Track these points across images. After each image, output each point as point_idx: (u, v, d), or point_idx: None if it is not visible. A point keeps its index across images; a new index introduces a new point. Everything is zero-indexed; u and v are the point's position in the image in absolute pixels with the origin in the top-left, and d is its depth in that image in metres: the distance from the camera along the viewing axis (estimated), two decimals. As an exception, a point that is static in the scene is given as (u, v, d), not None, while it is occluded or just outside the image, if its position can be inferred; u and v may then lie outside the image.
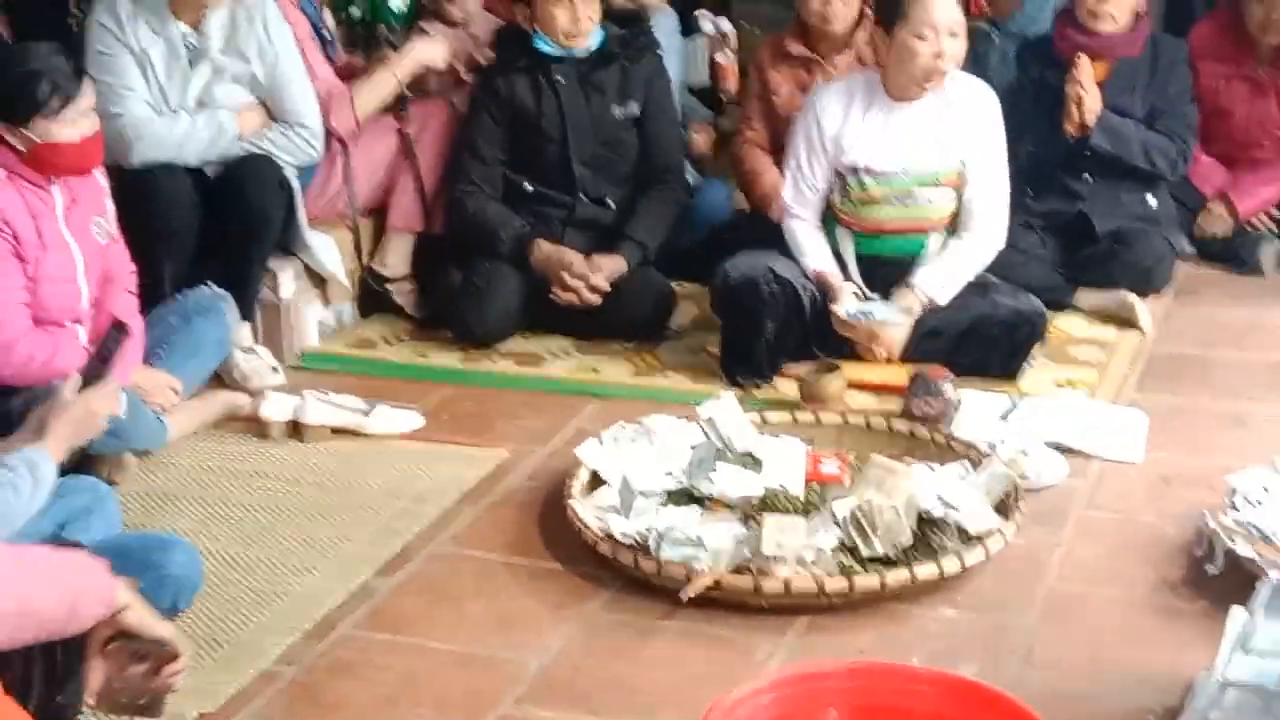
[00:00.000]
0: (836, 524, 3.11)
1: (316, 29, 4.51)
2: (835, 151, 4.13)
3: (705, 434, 3.43)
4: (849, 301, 4.05)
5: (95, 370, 2.90)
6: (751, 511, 3.23)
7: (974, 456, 3.44)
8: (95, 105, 3.52)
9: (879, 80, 4.13)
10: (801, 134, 4.20)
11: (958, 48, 4.03)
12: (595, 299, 4.33)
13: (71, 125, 3.46)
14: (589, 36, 4.41)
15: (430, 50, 4.60)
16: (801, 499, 3.25)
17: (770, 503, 3.23)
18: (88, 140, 3.52)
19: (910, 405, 3.82)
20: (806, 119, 4.19)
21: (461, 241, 4.51)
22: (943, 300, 4.07)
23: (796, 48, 4.66)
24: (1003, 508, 3.25)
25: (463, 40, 4.92)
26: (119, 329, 2.98)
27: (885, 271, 4.15)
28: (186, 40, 4.13)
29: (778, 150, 4.53)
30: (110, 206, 3.72)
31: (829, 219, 4.22)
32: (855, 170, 4.11)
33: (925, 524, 3.16)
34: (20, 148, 3.48)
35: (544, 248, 4.38)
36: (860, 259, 4.18)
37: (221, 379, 4.06)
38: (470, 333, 4.38)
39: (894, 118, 4.11)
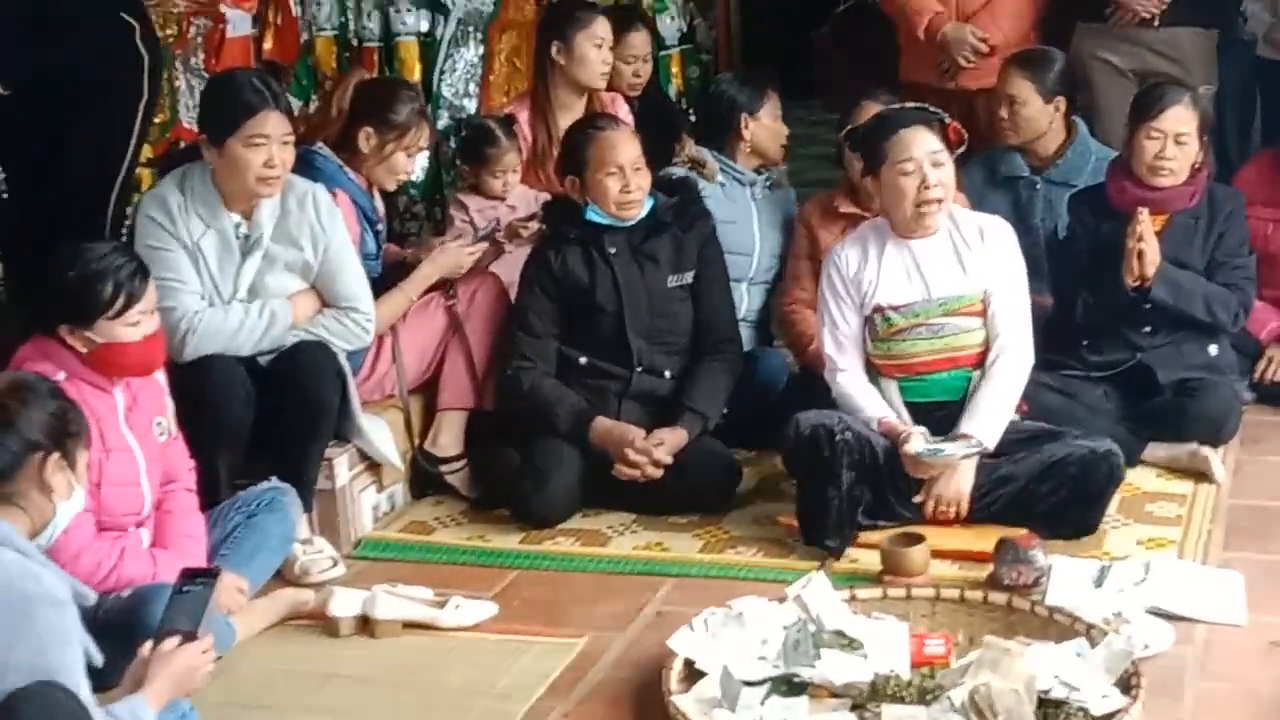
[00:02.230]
0: (955, 710, 2.99)
1: (367, 217, 4.45)
2: (859, 296, 4.14)
3: (798, 615, 3.32)
4: (918, 441, 3.99)
5: (189, 620, 2.79)
6: (861, 699, 3.11)
7: (1082, 630, 3.32)
8: (152, 302, 3.46)
9: (887, 225, 4.17)
10: (826, 288, 4.21)
11: (944, 175, 4.07)
12: (658, 473, 4.23)
13: (134, 326, 3.39)
14: (640, 206, 4.36)
15: (445, 263, 4.53)
16: (912, 684, 3.12)
17: (880, 689, 3.11)
18: (150, 339, 3.46)
19: (999, 573, 3.71)
20: (827, 272, 4.21)
21: (516, 419, 4.41)
22: (990, 441, 4.01)
23: (846, 206, 4.65)
24: (1123, 683, 3.13)
25: (500, 213, 4.91)
26: (209, 575, 2.87)
27: (934, 417, 4.09)
28: (238, 230, 4.06)
29: None
30: (170, 404, 3.64)
31: (870, 371, 4.18)
32: (880, 310, 4.11)
33: (1046, 706, 3.03)
34: (82, 349, 3.40)
35: (603, 424, 4.29)
36: (909, 407, 4.12)
37: (280, 573, 3.94)
38: (531, 514, 4.27)
39: (909, 253, 4.14)
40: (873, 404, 4.10)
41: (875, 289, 4.12)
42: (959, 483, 4.00)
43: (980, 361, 4.11)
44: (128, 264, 3.44)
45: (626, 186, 4.32)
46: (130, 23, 4.53)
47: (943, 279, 4.10)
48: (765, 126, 4.95)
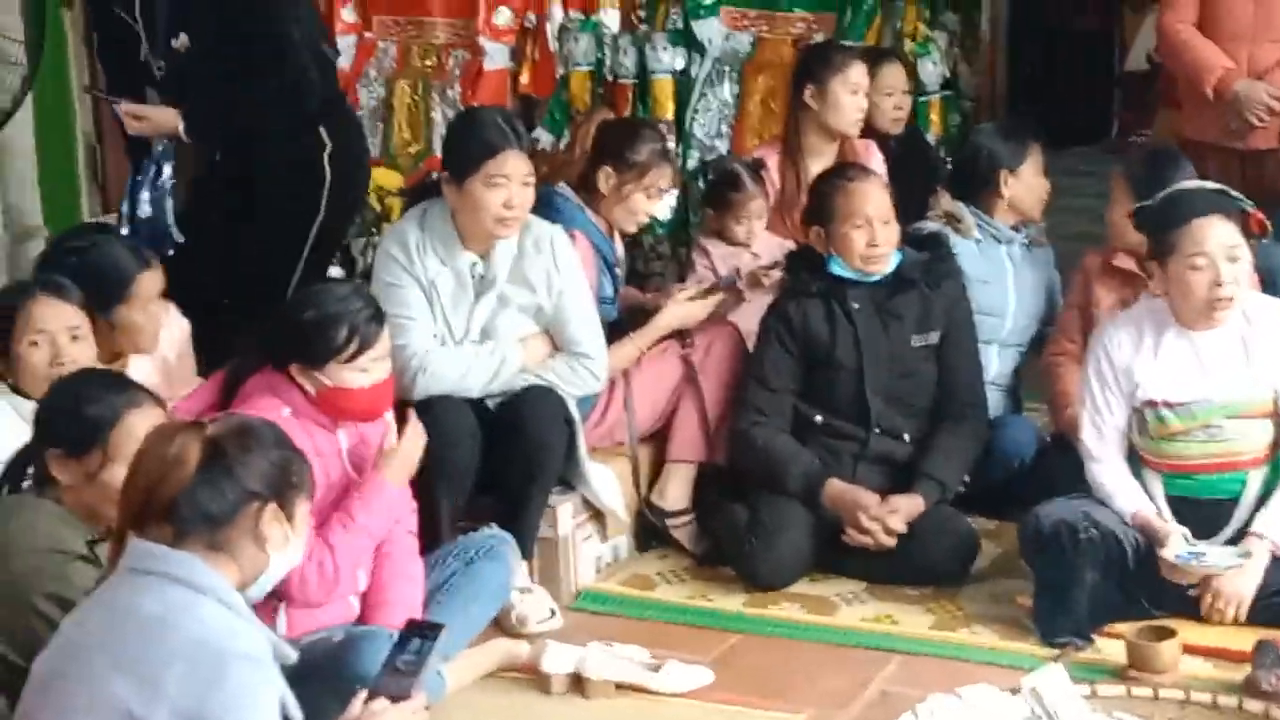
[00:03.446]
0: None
1: (605, 260, 4.37)
2: (1129, 386, 3.82)
3: (1031, 708, 3.11)
4: (1178, 544, 3.69)
5: (403, 684, 2.70)
6: (1096, 810, 2.88)
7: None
8: (384, 343, 3.41)
9: (1166, 308, 3.82)
10: (1093, 371, 3.89)
11: (1240, 271, 3.70)
12: (890, 541, 4.05)
13: (364, 372, 3.35)
14: (887, 261, 4.18)
15: (679, 317, 4.41)
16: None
17: (1118, 801, 2.88)
18: (379, 386, 3.42)
19: (1257, 678, 3.43)
20: (1096, 354, 3.89)
21: (746, 475, 4.27)
22: None
23: (1125, 262, 4.37)
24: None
25: (743, 260, 4.78)
26: (433, 630, 2.77)
27: (1200, 514, 3.79)
28: (474, 270, 4.02)
29: None
30: (394, 443, 3.58)
31: (1133, 461, 3.88)
32: (1153, 404, 3.79)
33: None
34: (310, 389, 3.38)
35: (837, 486, 4.12)
36: (1170, 500, 3.83)
37: (497, 621, 3.86)
38: (757, 575, 4.12)
39: (1189, 346, 3.79)
40: (1130, 497, 3.81)
41: (1149, 382, 3.79)
42: (1245, 581, 3.69)
43: (1263, 462, 3.77)
44: (364, 309, 3.40)
45: (873, 240, 4.15)
46: (323, 140, 4.53)
47: (1228, 378, 3.75)
48: (1026, 183, 4.69)
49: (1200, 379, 3.76)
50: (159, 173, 4.55)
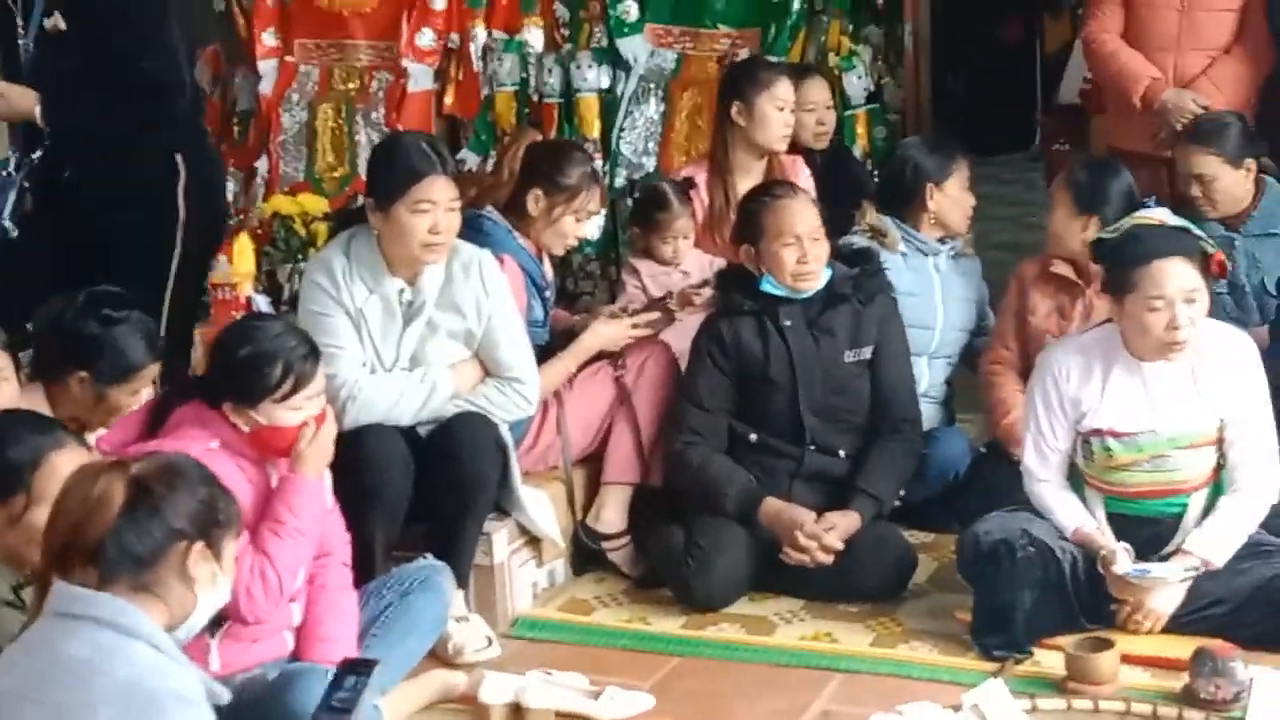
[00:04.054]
0: None
1: (535, 283, 4.33)
2: (1075, 414, 3.81)
3: (972, 726, 3.11)
4: (1125, 561, 3.69)
5: (341, 717, 2.66)
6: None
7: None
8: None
9: (1117, 338, 3.80)
10: (1039, 395, 3.87)
11: (1196, 312, 3.68)
12: (828, 559, 4.03)
13: (297, 410, 3.30)
14: (818, 277, 4.17)
15: (607, 336, 4.39)
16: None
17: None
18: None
19: (1195, 686, 3.44)
20: (1043, 379, 3.87)
21: (683, 496, 4.24)
22: (1220, 562, 3.70)
23: (1062, 269, 4.39)
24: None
25: (673, 280, 4.77)
26: (367, 667, 2.73)
27: (1139, 531, 3.79)
28: (402, 296, 3.97)
29: (1027, 374, 4.24)
30: (327, 475, 3.53)
31: (1075, 480, 3.88)
32: (1099, 433, 3.78)
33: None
34: (244, 427, 3.32)
35: (773, 505, 4.10)
36: (1110, 518, 3.83)
37: (434, 651, 3.82)
38: (694, 597, 4.09)
39: (1138, 378, 3.76)
40: (1071, 514, 3.81)
41: (1096, 411, 3.77)
42: (1166, 600, 3.70)
43: (1203, 486, 3.78)
44: (299, 346, 3.35)
45: (804, 258, 4.13)
46: (178, 168, 4.43)
47: (1176, 411, 3.73)
48: (951, 197, 4.70)
49: (1148, 411, 3.74)
50: (5, 163, 4.42)
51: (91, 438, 3.43)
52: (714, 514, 4.14)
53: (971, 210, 4.78)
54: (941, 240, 4.72)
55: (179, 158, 4.44)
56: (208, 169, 4.65)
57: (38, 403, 3.50)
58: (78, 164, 4.40)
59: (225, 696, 2.55)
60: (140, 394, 3.69)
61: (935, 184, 4.67)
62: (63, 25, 4.33)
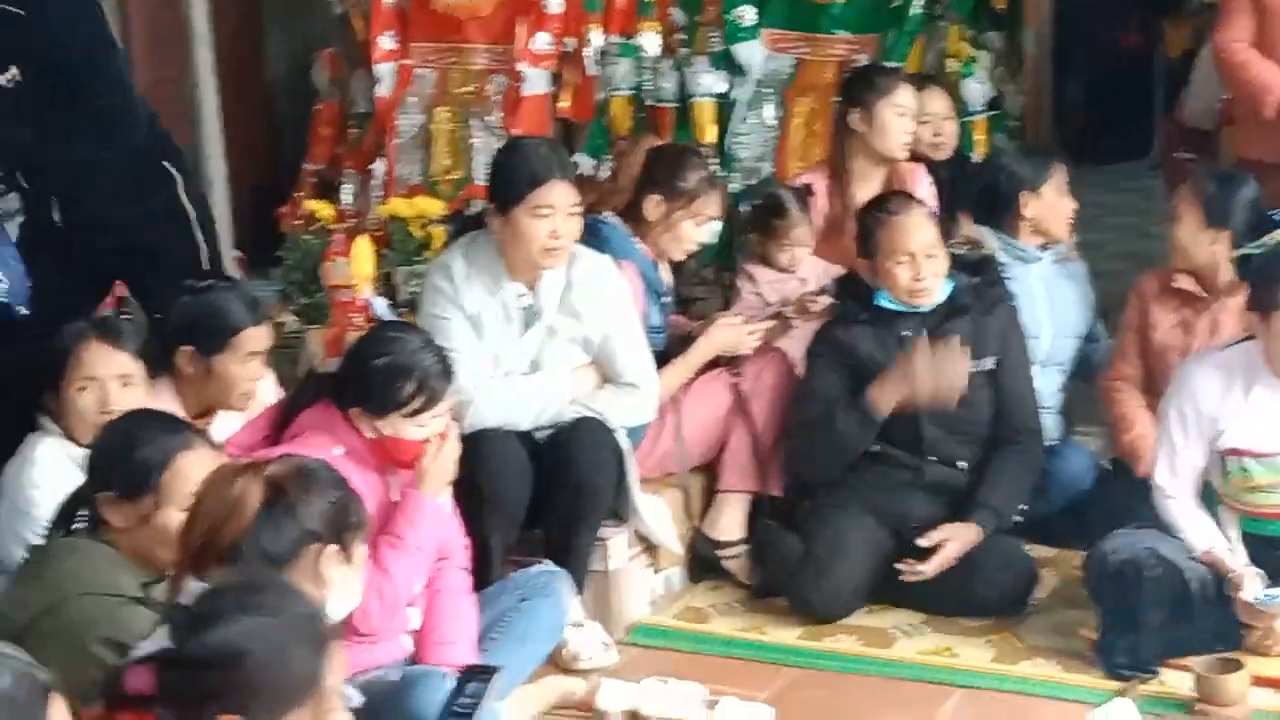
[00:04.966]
0: None
1: (654, 289, 4.31)
2: (1212, 432, 3.73)
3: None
4: (1255, 586, 3.61)
5: None
6: None
7: None
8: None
9: (1259, 356, 3.71)
10: (1174, 410, 3.79)
11: None
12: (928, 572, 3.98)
13: (422, 427, 3.30)
14: (933, 294, 4.11)
15: (723, 340, 4.37)
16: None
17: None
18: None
19: (1328, 710, 3.35)
20: (1180, 395, 3.79)
21: (807, 464, 4.23)
22: None
23: (1185, 283, 4.28)
24: None
25: (790, 287, 4.72)
26: (486, 674, 2.73)
27: (1274, 552, 3.71)
28: (521, 301, 3.97)
29: (1149, 390, 4.20)
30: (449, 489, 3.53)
31: (1209, 497, 3.80)
32: (1236, 453, 3.70)
33: None
34: (367, 434, 3.33)
35: (878, 385, 4.07)
36: (1245, 539, 3.75)
37: (551, 658, 3.81)
38: (811, 608, 4.06)
39: (1279, 396, 3.69)
40: (1201, 533, 3.73)
41: (1235, 430, 3.70)
42: None
43: None
44: (435, 364, 3.36)
45: (918, 275, 4.08)
46: (173, 175, 4.46)
47: None
48: (1048, 203, 4.61)
49: None
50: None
51: (221, 436, 3.45)
52: (842, 453, 4.11)
53: (1072, 214, 4.67)
54: (1043, 247, 4.62)
55: (168, 165, 4.47)
56: (186, 166, 4.68)
57: (167, 401, 3.53)
58: (65, 204, 4.42)
59: (357, 699, 2.56)
60: (251, 364, 3.68)
61: (1031, 190, 4.57)
62: (20, 76, 4.29)
